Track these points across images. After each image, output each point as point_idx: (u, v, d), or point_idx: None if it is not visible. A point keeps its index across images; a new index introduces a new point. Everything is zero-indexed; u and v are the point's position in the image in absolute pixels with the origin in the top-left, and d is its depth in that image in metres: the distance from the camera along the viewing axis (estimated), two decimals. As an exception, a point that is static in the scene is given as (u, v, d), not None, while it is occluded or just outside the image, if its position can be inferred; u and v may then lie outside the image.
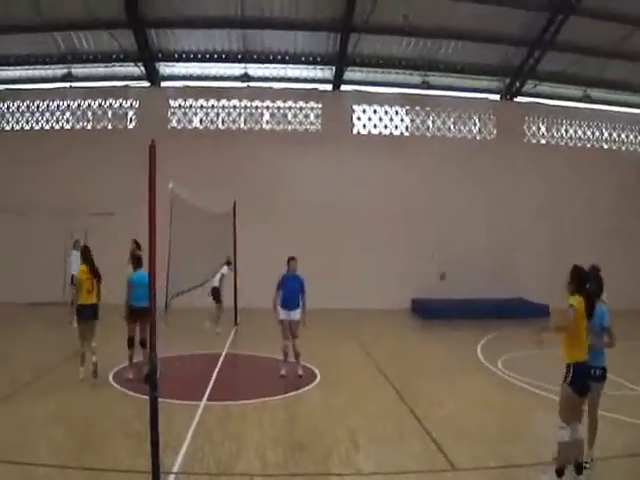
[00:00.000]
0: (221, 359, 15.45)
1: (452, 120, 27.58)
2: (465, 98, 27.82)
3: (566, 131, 28.34)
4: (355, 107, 27.26)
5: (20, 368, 13.91)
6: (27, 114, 26.73)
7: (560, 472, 7.61)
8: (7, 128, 26.78)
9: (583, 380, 7.69)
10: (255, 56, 26.27)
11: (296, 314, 13.59)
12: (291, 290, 13.60)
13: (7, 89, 26.97)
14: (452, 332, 20.61)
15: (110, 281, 13.58)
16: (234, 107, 26.84)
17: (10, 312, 21.81)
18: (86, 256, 13.23)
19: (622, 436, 9.48)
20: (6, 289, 23.06)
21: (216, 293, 19.45)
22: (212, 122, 26.82)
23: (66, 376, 12.98)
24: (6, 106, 26.80)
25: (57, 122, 26.77)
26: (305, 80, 27.35)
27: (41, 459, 8.30)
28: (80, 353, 12.91)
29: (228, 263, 20.01)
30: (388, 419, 10.70)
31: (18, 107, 26.78)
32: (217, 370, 14.25)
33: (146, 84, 26.75)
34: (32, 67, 26.49)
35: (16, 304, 22.70)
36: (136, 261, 13.47)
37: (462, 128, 27.63)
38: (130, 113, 26.84)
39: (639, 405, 11.42)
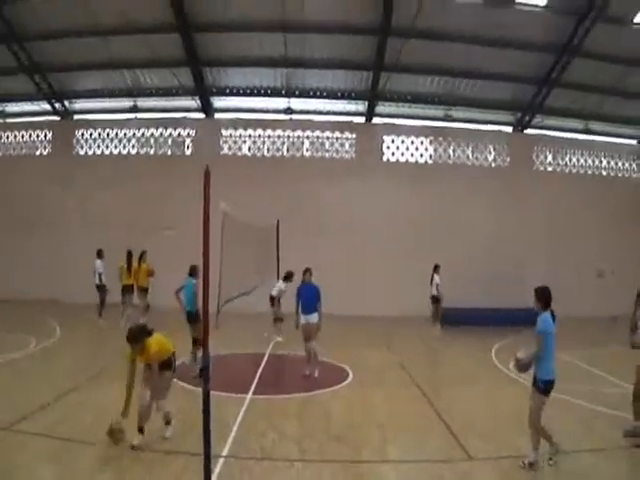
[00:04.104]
0: (265, 358, 15.54)
1: (470, 149, 27.42)
2: (482, 130, 27.75)
3: (570, 160, 28.16)
4: (385, 137, 27.18)
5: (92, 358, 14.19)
6: (99, 141, 27.22)
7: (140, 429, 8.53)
8: (81, 153, 27.28)
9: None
10: (297, 92, 26.50)
11: (314, 318, 13.55)
12: (308, 297, 13.62)
13: (82, 119, 27.64)
14: (471, 339, 20.44)
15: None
16: (278, 137, 26.96)
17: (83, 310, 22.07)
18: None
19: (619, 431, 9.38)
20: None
21: None
22: (259, 150, 26.92)
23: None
24: (81, 133, 27.35)
25: (124, 148, 27.22)
26: (341, 113, 27.46)
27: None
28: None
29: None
30: (413, 415, 10.73)
31: (91, 134, 27.30)
32: (261, 368, 14.35)
33: (201, 115, 27.10)
34: (103, 100, 27.09)
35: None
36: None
37: (479, 157, 27.48)
38: (187, 141, 27.11)
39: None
